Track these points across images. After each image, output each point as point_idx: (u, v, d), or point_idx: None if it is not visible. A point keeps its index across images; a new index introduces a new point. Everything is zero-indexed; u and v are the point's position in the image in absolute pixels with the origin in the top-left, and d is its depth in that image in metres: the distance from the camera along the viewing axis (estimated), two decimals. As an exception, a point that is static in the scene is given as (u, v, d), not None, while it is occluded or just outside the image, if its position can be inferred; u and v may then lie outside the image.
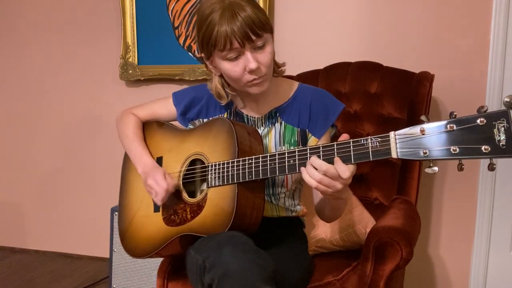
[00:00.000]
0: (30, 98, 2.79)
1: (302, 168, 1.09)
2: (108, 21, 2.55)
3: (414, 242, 1.46)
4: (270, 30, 1.25)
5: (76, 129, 2.72)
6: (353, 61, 2.03)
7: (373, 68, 1.97)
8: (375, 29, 2.15)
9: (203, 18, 1.22)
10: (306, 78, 2.00)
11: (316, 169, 1.05)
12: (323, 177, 1.05)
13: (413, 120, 1.79)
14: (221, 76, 1.33)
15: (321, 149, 1.07)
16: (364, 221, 1.67)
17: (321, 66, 2.07)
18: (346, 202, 1.26)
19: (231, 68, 1.24)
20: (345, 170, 1.03)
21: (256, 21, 1.17)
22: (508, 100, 0.88)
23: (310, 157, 1.08)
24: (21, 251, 2.91)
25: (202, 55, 1.30)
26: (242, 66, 1.22)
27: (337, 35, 2.21)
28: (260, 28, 1.18)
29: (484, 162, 2.04)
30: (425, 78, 1.84)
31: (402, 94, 1.87)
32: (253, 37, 1.18)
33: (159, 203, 1.31)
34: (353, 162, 1.03)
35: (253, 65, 1.20)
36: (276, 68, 1.34)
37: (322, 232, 1.65)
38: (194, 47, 2.37)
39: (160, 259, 1.52)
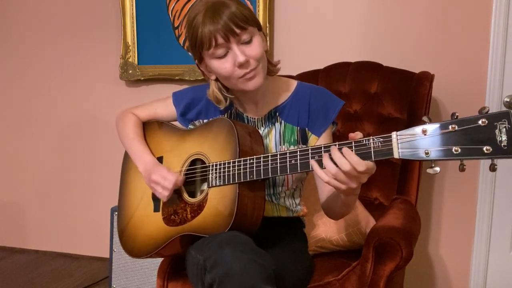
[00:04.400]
0: (30, 98, 2.79)
1: (313, 162, 1.07)
2: (108, 21, 2.55)
3: (414, 242, 1.46)
4: (257, 26, 1.25)
5: (76, 129, 2.72)
6: (353, 61, 2.03)
7: (373, 68, 1.97)
8: (375, 29, 2.15)
9: (189, 23, 1.23)
10: (306, 78, 2.00)
11: (334, 163, 1.02)
12: (338, 171, 1.02)
13: (413, 120, 1.80)
14: (216, 80, 1.32)
15: (322, 149, 1.07)
16: (364, 221, 1.67)
17: (321, 66, 2.07)
18: (357, 198, 1.23)
19: (221, 65, 1.23)
20: (361, 164, 1.00)
21: (239, 15, 1.18)
22: (508, 100, 0.88)
23: (312, 156, 1.08)
24: (21, 251, 2.91)
25: (196, 61, 1.31)
26: (231, 61, 1.22)
27: (337, 35, 2.21)
28: (243, 21, 1.19)
29: (485, 162, 2.04)
30: (425, 78, 1.84)
31: (402, 94, 1.87)
32: (237, 30, 1.18)
33: (164, 198, 1.31)
34: None
35: (241, 58, 1.20)
36: (271, 67, 1.33)
37: (322, 232, 1.65)
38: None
39: (160, 259, 1.52)
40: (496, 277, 2.12)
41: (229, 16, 1.17)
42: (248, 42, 1.22)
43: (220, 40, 1.19)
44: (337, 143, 1.06)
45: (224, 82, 1.31)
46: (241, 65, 1.21)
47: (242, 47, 1.21)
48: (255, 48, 1.22)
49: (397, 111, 1.88)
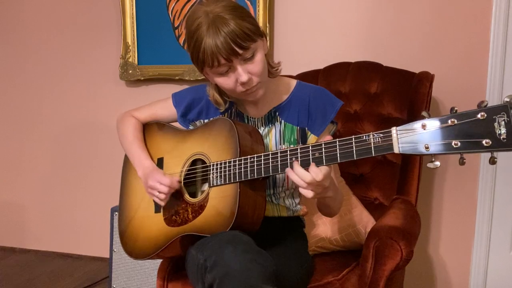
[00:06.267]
0: (30, 99, 2.79)
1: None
2: (108, 21, 2.55)
3: (414, 242, 1.46)
4: (260, 36, 1.24)
5: (76, 129, 2.72)
6: (353, 61, 2.03)
7: (373, 68, 1.97)
8: (375, 29, 2.15)
9: (190, 35, 1.22)
10: (306, 78, 2.00)
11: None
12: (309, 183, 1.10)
13: (413, 120, 1.78)
14: (217, 85, 1.33)
15: (323, 146, 1.07)
16: (364, 221, 1.67)
17: (321, 66, 2.07)
18: (335, 199, 1.30)
19: (224, 81, 1.25)
20: (318, 173, 1.08)
21: (240, 34, 1.16)
22: (508, 100, 0.88)
23: (313, 153, 1.10)
24: (21, 251, 2.91)
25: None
26: (233, 79, 1.23)
27: (337, 35, 2.21)
28: (245, 40, 1.17)
29: (485, 161, 2.05)
30: (425, 78, 1.84)
31: (402, 94, 1.87)
32: (240, 51, 1.18)
33: (162, 203, 1.31)
34: (355, 158, 1.04)
35: (244, 78, 1.21)
36: (271, 69, 1.33)
37: (322, 232, 1.66)
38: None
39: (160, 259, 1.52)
40: (496, 277, 2.11)
41: (231, 36, 1.15)
42: (251, 58, 1.22)
43: (223, 61, 1.18)
44: (337, 139, 1.06)
45: (225, 91, 1.32)
46: (243, 84, 1.22)
47: (244, 64, 1.22)
48: (257, 64, 1.23)
49: (397, 111, 1.88)
